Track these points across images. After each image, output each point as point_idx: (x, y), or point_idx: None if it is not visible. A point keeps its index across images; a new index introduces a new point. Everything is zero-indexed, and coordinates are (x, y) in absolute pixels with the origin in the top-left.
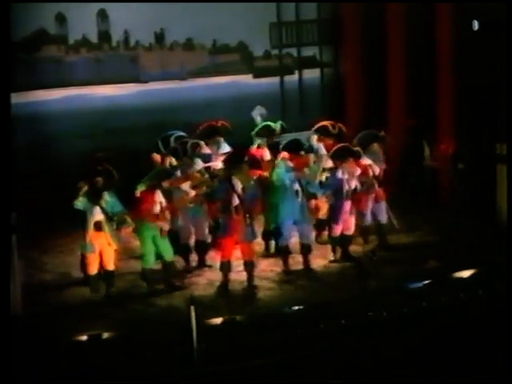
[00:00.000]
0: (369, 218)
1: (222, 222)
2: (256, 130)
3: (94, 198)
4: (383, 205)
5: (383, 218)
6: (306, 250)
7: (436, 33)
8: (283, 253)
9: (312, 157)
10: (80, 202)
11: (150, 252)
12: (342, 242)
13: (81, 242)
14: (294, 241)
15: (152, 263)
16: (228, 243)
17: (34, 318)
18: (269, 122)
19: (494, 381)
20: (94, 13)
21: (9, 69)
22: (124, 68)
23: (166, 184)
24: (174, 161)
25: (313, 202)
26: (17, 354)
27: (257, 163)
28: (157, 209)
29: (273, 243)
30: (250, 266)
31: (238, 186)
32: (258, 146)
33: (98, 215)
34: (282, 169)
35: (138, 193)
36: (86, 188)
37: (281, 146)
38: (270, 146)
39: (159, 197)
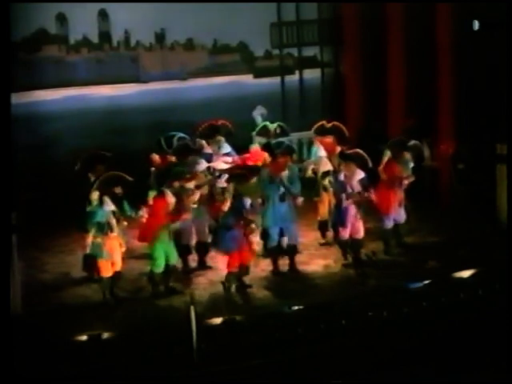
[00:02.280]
0: (391, 222)
1: (229, 236)
2: (256, 130)
3: (115, 206)
4: (403, 209)
5: (402, 219)
6: (291, 250)
7: (436, 33)
8: (271, 254)
9: (293, 157)
10: (99, 212)
11: (161, 256)
12: (353, 246)
13: (94, 247)
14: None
15: (162, 267)
16: (236, 256)
17: (33, 318)
18: (267, 123)
19: (494, 381)
20: (94, 13)
21: (9, 69)
22: (124, 68)
23: (176, 184)
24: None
25: (299, 200)
26: (17, 354)
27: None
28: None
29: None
30: (245, 272)
31: (248, 201)
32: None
33: (111, 219)
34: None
35: (150, 200)
36: (104, 198)
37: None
38: (267, 147)
39: (171, 197)
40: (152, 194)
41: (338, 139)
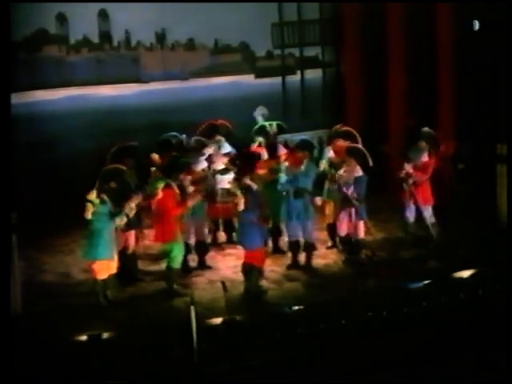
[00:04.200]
0: (409, 216)
1: (254, 231)
2: (254, 130)
3: (117, 203)
4: (429, 208)
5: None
6: (309, 247)
7: (436, 33)
8: (293, 248)
9: (307, 154)
10: (104, 210)
11: (179, 252)
12: (354, 246)
13: (97, 249)
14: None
15: (180, 263)
16: (261, 252)
17: (33, 318)
18: (264, 123)
19: (494, 381)
20: (94, 13)
21: (9, 69)
22: (125, 68)
23: (182, 176)
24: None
25: (318, 199)
26: (17, 354)
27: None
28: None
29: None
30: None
31: (261, 194)
32: (259, 145)
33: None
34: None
35: (159, 192)
36: (102, 196)
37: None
38: (268, 146)
39: (176, 189)
40: (160, 186)
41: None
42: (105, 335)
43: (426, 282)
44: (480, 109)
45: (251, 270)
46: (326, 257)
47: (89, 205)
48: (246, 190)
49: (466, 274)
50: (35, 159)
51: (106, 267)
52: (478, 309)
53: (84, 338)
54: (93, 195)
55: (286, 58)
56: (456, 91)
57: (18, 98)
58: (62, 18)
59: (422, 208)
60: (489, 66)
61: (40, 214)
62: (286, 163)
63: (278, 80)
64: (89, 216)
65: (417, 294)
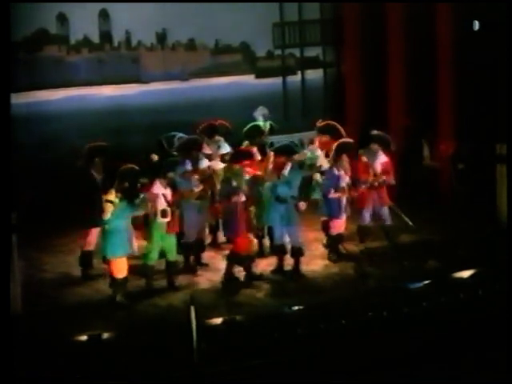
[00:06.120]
0: (367, 218)
1: (231, 221)
2: (245, 130)
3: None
4: (386, 209)
5: (387, 220)
6: (296, 253)
7: (436, 33)
8: (277, 252)
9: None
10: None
11: (154, 249)
12: (335, 240)
13: (117, 247)
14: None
15: (154, 261)
16: (243, 240)
17: (33, 318)
18: (257, 123)
19: (494, 381)
20: (95, 13)
21: (9, 69)
22: (125, 68)
23: (171, 175)
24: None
25: (301, 204)
26: (17, 354)
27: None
28: (160, 202)
29: (267, 242)
30: (249, 260)
31: (240, 184)
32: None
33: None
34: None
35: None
36: (119, 195)
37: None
38: (259, 147)
39: (158, 189)
40: (142, 182)
41: (333, 138)
42: (105, 335)
43: (426, 282)
44: (480, 109)
45: (238, 259)
46: (326, 257)
47: (108, 205)
48: (225, 179)
49: (465, 274)
50: (35, 159)
51: (124, 265)
52: (478, 309)
53: (84, 337)
54: (112, 195)
55: (286, 58)
56: (456, 91)
57: (17, 98)
58: (62, 18)
59: (379, 209)
60: (489, 66)
61: (40, 213)
62: (270, 166)
63: (278, 80)
64: (107, 216)
65: (417, 294)
